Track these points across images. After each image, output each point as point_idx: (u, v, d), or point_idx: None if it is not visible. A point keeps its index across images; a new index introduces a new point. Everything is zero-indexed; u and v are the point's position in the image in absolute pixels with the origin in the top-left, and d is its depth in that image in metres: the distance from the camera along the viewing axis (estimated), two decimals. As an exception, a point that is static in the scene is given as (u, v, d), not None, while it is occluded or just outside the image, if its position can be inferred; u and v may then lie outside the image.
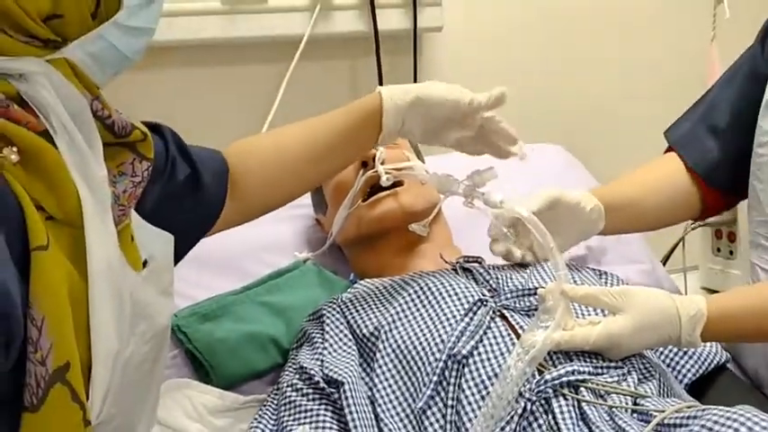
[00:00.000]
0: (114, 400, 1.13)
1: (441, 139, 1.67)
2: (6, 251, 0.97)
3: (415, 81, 2.57)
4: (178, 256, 1.44)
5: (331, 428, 1.49)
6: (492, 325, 1.53)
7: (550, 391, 1.40)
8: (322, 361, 1.57)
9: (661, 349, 1.69)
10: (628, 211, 1.87)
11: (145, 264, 1.22)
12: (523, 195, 1.71)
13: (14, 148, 1.02)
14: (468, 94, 1.62)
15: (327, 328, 1.63)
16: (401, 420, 1.49)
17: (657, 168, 1.94)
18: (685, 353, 1.72)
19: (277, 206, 1.67)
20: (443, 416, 1.45)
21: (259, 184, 1.59)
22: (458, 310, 1.56)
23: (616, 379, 1.45)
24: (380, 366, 1.55)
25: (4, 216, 0.99)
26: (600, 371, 1.46)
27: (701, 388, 1.71)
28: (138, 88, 2.36)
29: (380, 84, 2.50)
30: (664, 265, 2.36)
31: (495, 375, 1.43)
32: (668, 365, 1.70)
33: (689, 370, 1.71)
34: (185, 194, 1.46)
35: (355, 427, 1.46)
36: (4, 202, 1.00)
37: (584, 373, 1.43)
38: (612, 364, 1.48)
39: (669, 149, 1.95)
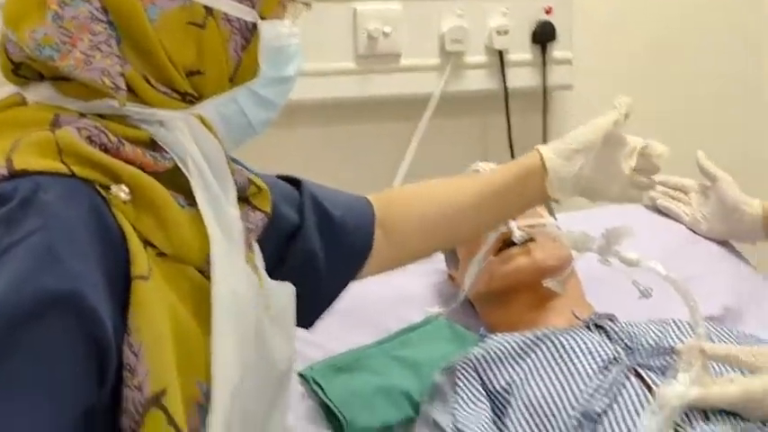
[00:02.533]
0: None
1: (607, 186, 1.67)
2: (101, 278, 0.99)
3: (545, 139, 2.56)
4: (329, 301, 1.52)
5: (465, 484, 1.48)
6: (626, 383, 1.51)
7: (689, 451, 1.38)
8: (454, 415, 1.57)
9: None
10: None
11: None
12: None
13: (124, 186, 1.05)
14: (605, 120, 1.65)
15: (460, 383, 1.63)
16: (535, 476, 1.48)
17: None
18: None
19: (428, 254, 1.71)
20: (579, 474, 1.43)
21: (416, 231, 1.61)
22: (591, 368, 1.54)
23: (753, 441, 1.42)
24: (513, 422, 1.54)
25: (109, 247, 1.02)
26: (737, 432, 1.43)
27: None
28: (275, 145, 2.41)
29: (510, 142, 2.51)
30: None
31: (631, 434, 1.41)
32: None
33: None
34: (325, 241, 1.49)
35: (489, 482, 1.46)
36: (109, 235, 1.02)
37: (721, 434, 1.41)
38: (750, 426, 1.45)
39: None
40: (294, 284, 1.31)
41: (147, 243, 1.06)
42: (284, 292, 1.29)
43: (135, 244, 1.04)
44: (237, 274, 1.13)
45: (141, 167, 1.08)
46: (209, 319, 1.08)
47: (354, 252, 1.54)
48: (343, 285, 1.55)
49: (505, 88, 2.50)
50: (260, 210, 1.26)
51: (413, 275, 2.00)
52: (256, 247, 1.26)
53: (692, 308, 1.50)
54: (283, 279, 1.29)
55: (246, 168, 1.27)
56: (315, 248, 1.47)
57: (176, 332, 1.06)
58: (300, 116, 2.40)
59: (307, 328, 1.51)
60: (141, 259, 1.04)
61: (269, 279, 1.26)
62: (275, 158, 2.33)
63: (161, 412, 1.02)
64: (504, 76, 2.50)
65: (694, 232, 2.12)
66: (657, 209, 2.19)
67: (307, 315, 1.47)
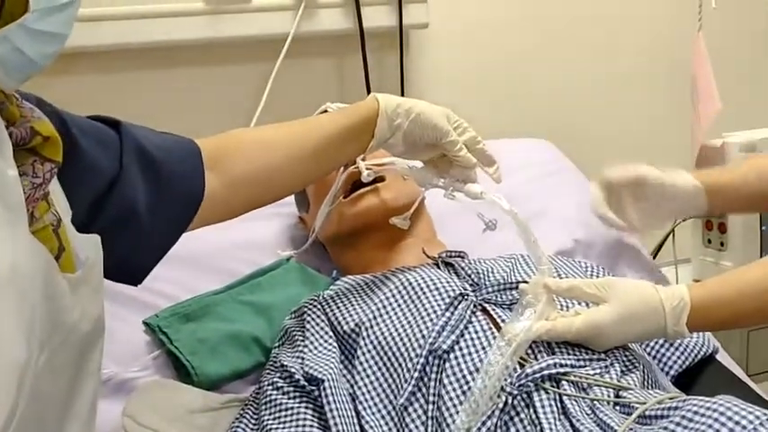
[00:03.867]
0: (25, 416, 1.02)
1: (418, 156, 1.66)
2: None
3: (402, 78, 2.55)
4: (158, 254, 1.42)
5: (312, 427, 1.46)
6: (473, 319, 1.50)
7: (531, 384, 1.38)
8: (303, 359, 1.55)
9: (647, 341, 1.66)
10: (734, 192, 1.92)
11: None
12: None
13: None
14: (450, 133, 1.60)
15: (308, 326, 1.60)
16: (383, 417, 1.46)
17: None
18: (671, 344, 1.69)
19: (263, 204, 1.62)
20: (425, 411, 1.42)
21: (246, 180, 1.54)
22: (438, 305, 1.53)
23: (598, 371, 1.43)
24: (361, 363, 1.52)
25: None
26: (582, 363, 1.43)
27: (689, 380, 1.69)
28: (124, 89, 2.35)
29: (367, 82, 2.49)
30: (654, 257, 2.33)
31: (477, 370, 1.41)
32: (654, 357, 1.68)
33: (675, 362, 1.69)
34: (149, 189, 1.40)
35: (336, 424, 1.43)
36: None
37: (566, 365, 1.41)
38: (595, 357, 1.46)
39: None
40: (116, 237, 1.24)
41: None
42: (90, 245, 1.18)
43: None
44: (18, 245, 1.02)
45: None
46: None
47: (184, 199, 1.46)
48: (175, 236, 1.46)
49: (361, 28, 2.47)
50: (49, 160, 1.13)
51: (262, 219, 1.97)
52: (59, 198, 1.17)
53: (533, 242, 1.50)
54: (102, 232, 1.20)
55: (48, 108, 1.19)
56: (137, 197, 1.38)
57: None
58: (150, 59, 2.35)
59: (135, 285, 1.44)
60: None
61: (76, 233, 1.16)
62: (122, 102, 2.28)
63: None
64: (359, 15, 2.46)
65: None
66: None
67: (134, 270, 1.41)
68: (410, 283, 1.59)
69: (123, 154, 1.37)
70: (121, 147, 1.37)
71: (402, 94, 2.55)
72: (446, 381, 1.43)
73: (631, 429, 1.29)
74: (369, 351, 1.53)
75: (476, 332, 1.48)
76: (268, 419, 1.49)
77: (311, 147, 1.57)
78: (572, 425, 1.34)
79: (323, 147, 1.57)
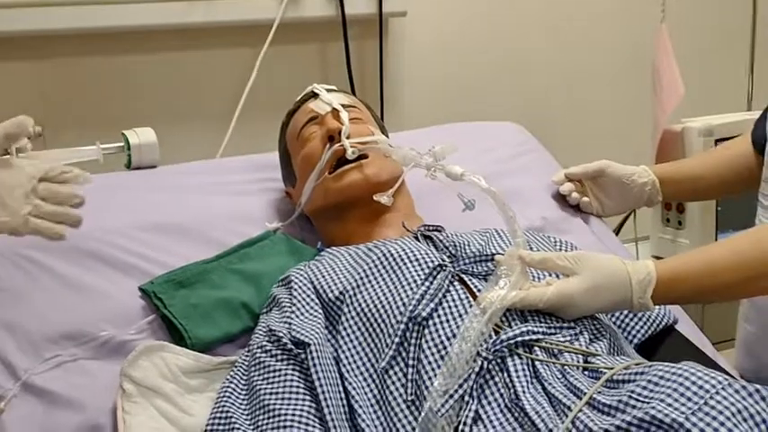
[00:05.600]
0: None
1: None
2: None
3: (381, 64, 2.56)
4: None
5: (299, 387, 1.47)
6: (451, 288, 1.52)
7: (506, 350, 1.40)
8: (290, 324, 1.56)
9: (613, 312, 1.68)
10: (690, 183, 2.07)
11: None
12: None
13: None
14: None
15: (295, 293, 1.61)
16: (365, 380, 1.48)
17: (728, 146, 2.08)
18: (635, 315, 1.72)
19: None
20: (405, 375, 1.44)
21: None
22: (418, 275, 1.54)
23: (568, 339, 1.45)
24: (345, 329, 1.54)
25: None
26: (553, 331, 1.46)
27: (651, 348, 1.71)
28: (109, 72, 2.34)
29: (348, 67, 2.50)
30: (617, 234, 2.35)
31: (454, 336, 1.43)
32: (619, 327, 1.70)
33: (638, 331, 1.71)
34: None
35: (321, 385, 1.45)
36: None
37: (537, 332, 1.43)
38: (565, 325, 1.48)
39: None
40: None
41: None
42: None
43: None
44: None
45: None
46: None
47: None
48: None
49: (343, 15, 2.48)
50: None
51: (251, 194, 1.99)
52: None
53: (510, 218, 1.51)
54: None
55: None
56: None
57: None
58: (137, 43, 2.35)
59: None
60: None
61: None
62: (111, 85, 2.29)
63: None
64: (341, 3, 2.47)
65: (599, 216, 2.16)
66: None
67: None
68: (391, 255, 1.60)
69: None
70: None
71: (381, 79, 2.57)
72: (425, 346, 1.44)
73: (600, 392, 1.31)
74: (352, 317, 1.55)
75: (453, 301, 1.50)
76: (257, 380, 1.51)
77: None
78: (544, 388, 1.36)
79: None
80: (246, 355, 1.59)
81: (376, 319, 1.52)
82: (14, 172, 1.44)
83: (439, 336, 1.45)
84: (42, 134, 1.93)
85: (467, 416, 1.35)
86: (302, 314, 1.58)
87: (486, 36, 2.73)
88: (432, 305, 1.48)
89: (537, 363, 1.39)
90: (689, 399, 1.22)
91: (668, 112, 2.32)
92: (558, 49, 2.84)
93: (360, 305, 1.55)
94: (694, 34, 2.92)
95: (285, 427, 1.42)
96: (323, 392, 1.45)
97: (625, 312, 1.70)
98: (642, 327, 1.71)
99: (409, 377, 1.43)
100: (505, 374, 1.38)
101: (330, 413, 1.43)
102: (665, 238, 2.44)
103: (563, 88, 2.86)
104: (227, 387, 1.55)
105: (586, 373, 1.40)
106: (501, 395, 1.37)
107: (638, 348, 1.67)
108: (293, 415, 1.44)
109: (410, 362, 1.44)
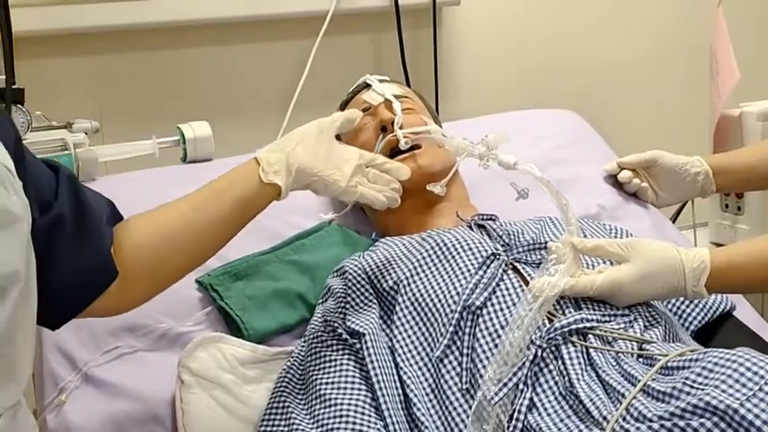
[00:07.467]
0: None
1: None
2: None
3: (435, 53, 2.56)
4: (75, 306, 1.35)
5: (354, 377, 1.49)
6: (504, 277, 1.52)
7: (560, 338, 1.40)
8: (345, 314, 1.57)
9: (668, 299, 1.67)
10: (745, 173, 2.05)
11: None
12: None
13: None
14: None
15: (350, 284, 1.62)
16: (420, 369, 1.49)
17: None
18: (692, 301, 1.70)
19: (165, 287, 1.49)
20: (459, 363, 1.45)
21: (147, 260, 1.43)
22: (472, 264, 1.55)
23: (623, 326, 1.45)
24: (399, 318, 1.55)
25: None
26: (607, 318, 1.45)
27: (707, 335, 1.70)
28: (170, 67, 2.37)
29: (403, 58, 2.50)
30: (674, 222, 2.33)
31: (508, 324, 1.42)
32: (675, 313, 1.69)
33: (695, 318, 1.70)
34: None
35: (376, 375, 1.46)
36: None
37: (591, 320, 1.43)
38: (619, 313, 1.48)
39: None
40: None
41: None
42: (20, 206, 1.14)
43: None
44: None
45: None
46: None
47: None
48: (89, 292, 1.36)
49: (396, 5, 2.47)
50: None
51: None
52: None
53: (564, 205, 1.50)
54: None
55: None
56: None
57: None
58: (194, 37, 2.37)
59: (51, 329, 1.39)
60: None
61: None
62: (166, 79, 2.31)
63: None
64: (396, -7, 2.47)
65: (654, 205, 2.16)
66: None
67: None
68: (445, 244, 1.60)
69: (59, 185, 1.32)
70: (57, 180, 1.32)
71: (435, 69, 2.56)
72: (479, 335, 1.45)
73: (654, 379, 1.31)
74: (407, 307, 1.55)
75: (507, 289, 1.50)
76: (313, 370, 1.52)
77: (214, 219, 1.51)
78: (598, 375, 1.36)
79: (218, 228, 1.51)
80: (302, 346, 1.60)
81: (430, 309, 1.52)
82: (346, 148, 1.62)
83: (493, 324, 1.45)
84: (100, 129, 1.96)
85: (521, 404, 1.35)
86: (357, 304, 1.59)
87: (541, 23, 2.72)
88: (485, 294, 1.49)
89: (591, 350, 1.39)
90: (743, 385, 1.21)
91: (725, 96, 2.29)
92: (615, 35, 2.81)
93: (414, 295, 1.56)
94: (751, 17, 2.88)
95: (341, 416, 1.44)
96: (378, 382, 1.46)
97: (681, 299, 1.69)
98: (699, 313, 1.70)
99: (464, 366, 1.44)
100: (560, 362, 1.38)
101: (386, 402, 1.44)
102: (724, 225, 2.41)
103: (620, 75, 2.83)
104: (284, 377, 1.56)
105: (641, 360, 1.39)
106: (555, 383, 1.37)
107: (694, 335, 1.66)
108: (349, 404, 1.45)
109: (464, 350, 1.45)
